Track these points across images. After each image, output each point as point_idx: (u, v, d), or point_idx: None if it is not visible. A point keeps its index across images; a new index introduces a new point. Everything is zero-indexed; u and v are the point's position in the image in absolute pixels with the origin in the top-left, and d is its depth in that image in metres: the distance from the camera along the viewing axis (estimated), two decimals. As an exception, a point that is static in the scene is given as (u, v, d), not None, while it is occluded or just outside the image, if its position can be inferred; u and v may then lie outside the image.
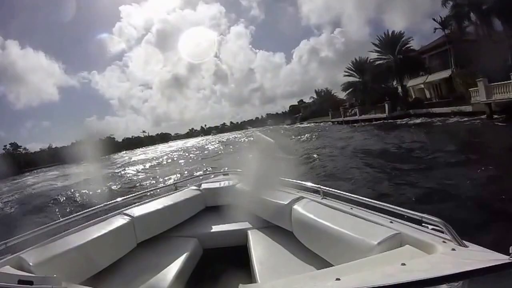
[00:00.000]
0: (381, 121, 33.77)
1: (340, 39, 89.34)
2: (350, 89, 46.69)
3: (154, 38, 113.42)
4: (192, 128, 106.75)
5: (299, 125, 60.84)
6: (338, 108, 60.24)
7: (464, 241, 1.38)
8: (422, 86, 36.43)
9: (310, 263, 2.06)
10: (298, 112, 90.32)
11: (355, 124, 37.16)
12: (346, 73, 46.67)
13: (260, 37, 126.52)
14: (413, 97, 37.64)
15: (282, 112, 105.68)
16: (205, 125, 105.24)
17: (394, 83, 37.44)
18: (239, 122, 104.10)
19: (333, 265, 1.67)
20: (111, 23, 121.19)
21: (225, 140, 45.65)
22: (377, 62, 41.02)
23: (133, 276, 2.20)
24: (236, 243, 2.76)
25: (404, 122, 29.99)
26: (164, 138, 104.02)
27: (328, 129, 36.69)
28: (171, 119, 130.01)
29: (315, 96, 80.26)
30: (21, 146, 73.35)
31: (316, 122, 55.29)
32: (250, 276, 2.18)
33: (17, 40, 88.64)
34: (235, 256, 2.59)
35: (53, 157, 58.72)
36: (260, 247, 2.43)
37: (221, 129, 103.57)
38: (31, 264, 1.72)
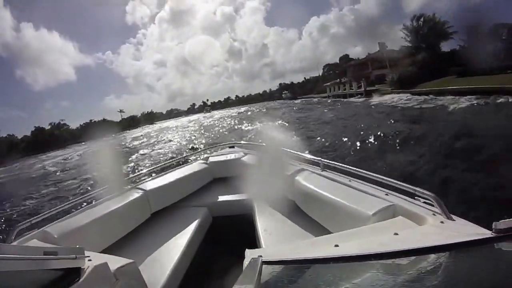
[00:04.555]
0: None
1: (350, 16, 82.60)
2: None
3: (168, 15, 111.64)
4: (194, 104, 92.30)
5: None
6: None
7: (452, 215, 1.35)
8: None
9: (311, 231, 2.00)
10: (342, 75, 49.25)
11: None
12: None
13: (275, 13, 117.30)
14: None
15: (304, 79, 70.75)
16: (207, 100, 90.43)
17: None
18: (245, 96, 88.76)
19: (332, 233, 1.59)
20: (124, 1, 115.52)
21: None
22: None
23: (149, 243, 2.16)
24: (242, 212, 2.60)
25: None
26: (149, 118, 77.96)
27: None
28: (184, 94, 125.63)
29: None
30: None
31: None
32: (255, 242, 2.11)
33: (31, 22, 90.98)
34: (242, 224, 2.45)
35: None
36: (264, 215, 2.33)
37: (225, 103, 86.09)
38: (55, 236, 1.71)
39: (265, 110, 29.58)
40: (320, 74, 62.83)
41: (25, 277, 0.86)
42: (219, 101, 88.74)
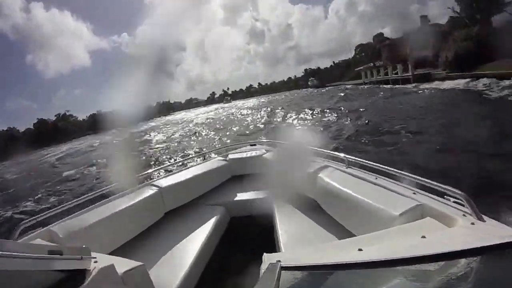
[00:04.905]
0: None
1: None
2: None
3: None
4: (214, 93, 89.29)
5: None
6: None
7: (483, 216, 1.27)
8: None
9: (333, 233, 1.90)
10: (376, 58, 43.32)
11: None
12: None
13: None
14: None
15: (333, 63, 63.71)
16: (228, 89, 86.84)
17: None
18: (268, 84, 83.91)
19: (355, 235, 1.58)
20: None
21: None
22: None
23: (161, 244, 2.04)
24: (262, 211, 2.40)
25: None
26: (165, 109, 72.43)
27: None
28: (204, 81, 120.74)
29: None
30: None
31: None
32: (274, 243, 2.01)
33: (41, 1, 79.58)
34: (261, 224, 2.28)
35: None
36: (285, 215, 2.21)
37: (247, 92, 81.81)
38: (61, 236, 1.65)
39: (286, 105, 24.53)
40: (351, 57, 56.95)
41: (27, 277, 0.82)
42: (241, 89, 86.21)
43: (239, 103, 50.23)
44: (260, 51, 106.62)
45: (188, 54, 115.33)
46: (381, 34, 50.34)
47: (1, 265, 0.68)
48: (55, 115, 60.17)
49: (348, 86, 33.76)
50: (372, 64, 42.24)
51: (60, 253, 0.88)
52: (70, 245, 1.43)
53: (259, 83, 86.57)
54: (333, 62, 66.01)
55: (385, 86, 24.34)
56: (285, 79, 79.52)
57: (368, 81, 31.38)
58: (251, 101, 45.04)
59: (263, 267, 0.91)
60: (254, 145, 3.62)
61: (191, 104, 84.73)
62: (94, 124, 54.88)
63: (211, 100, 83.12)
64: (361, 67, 43.12)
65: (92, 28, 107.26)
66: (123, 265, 1.19)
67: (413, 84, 20.69)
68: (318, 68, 70.36)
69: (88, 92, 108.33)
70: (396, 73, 24.83)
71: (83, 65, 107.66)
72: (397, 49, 35.00)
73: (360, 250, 0.95)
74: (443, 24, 31.33)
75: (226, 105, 54.32)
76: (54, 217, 1.85)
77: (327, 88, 40.65)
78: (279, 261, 0.86)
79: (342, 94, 23.20)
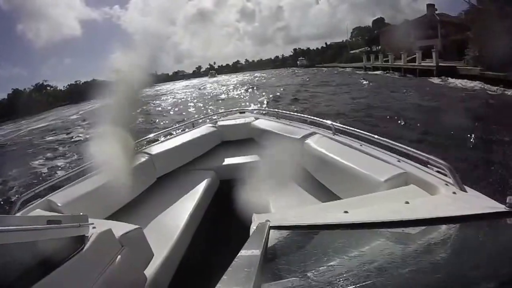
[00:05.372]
0: None
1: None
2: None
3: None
4: (200, 66, 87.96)
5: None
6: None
7: (465, 186, 1.30)
8: None
9: (320, 196, 1.99)
10: (374, 43, 41.31)
11: None
12: None
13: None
14: None
15: (326, 45, 63.32)
16: (214, 63, 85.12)
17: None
18: (255, 61, 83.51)
19: (341, 199, 1.62)
20: None
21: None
22: None
23: (155, 208, 2.13)
24: (251, 175, 2.31)
25: None
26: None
27: None
28: (193, 56, 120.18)
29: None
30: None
31: None
32: (263, 206, 2.00)
33: None
34: (250, 188, 2.19)
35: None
36: (273, 179, 2.22)
37: (233, 68, 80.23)
38: (59, 205, 1.70)
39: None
40: (345, 40, 54.70)
41: (28, 248, 0.84)
42: (227, 64, 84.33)
43: (224, 78, 49.40)
44: (249, 30, 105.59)
45: (179, 28, 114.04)
46: (382, 19, 48.37)
47: (2, 239, 0.68)
48: (32, 85, 56.24)
49: (347, 70, 31.69)
50: (369, 48, 40.49)
51: (59, 222, 0.89)
52: (68, 213, 1.50)
53: (246, 59, 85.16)
54: (325, 43, 63.49)
55: (396, 75, 21.71)
56: (273, 58, 78.25)
57: (370, 66, 29.21)
58: (235, 78, 43.02)
59: (253, 226, 0.92)
60: (243, 112, 3.62)
61: (177, 76, 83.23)
62: (71, 95, 52.54)
63: (197, 73, 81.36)
64: (357, 51, 41.37)
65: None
66: (120, 228, 1.21)
67: (439, 78, 17.24)
68: (308, 48, 68.22)
69: (77, 62, 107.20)
70: (411, 61, 21.92)
71: (73, 35, 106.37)
72: (400, 35, 32.84)
73: (346, 212, 0.98)
74: (453, 15, 29.51)
75: (213, 78, 53.41)
76: (52, 188, 1.87)
77: (324, 69, 38.52)
78: (268, 220, 0.87)
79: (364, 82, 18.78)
